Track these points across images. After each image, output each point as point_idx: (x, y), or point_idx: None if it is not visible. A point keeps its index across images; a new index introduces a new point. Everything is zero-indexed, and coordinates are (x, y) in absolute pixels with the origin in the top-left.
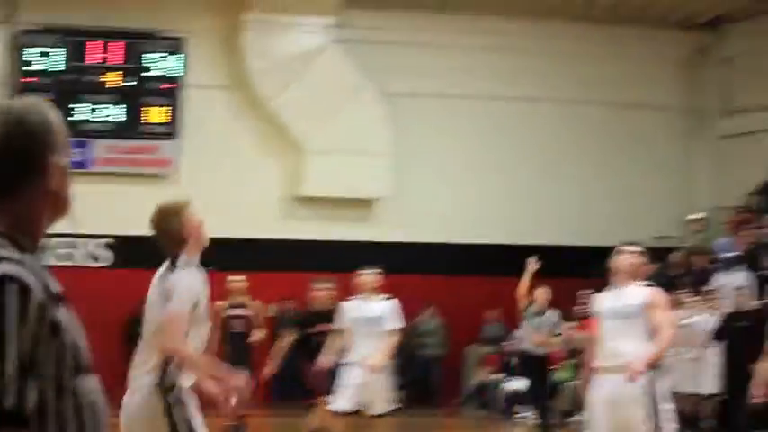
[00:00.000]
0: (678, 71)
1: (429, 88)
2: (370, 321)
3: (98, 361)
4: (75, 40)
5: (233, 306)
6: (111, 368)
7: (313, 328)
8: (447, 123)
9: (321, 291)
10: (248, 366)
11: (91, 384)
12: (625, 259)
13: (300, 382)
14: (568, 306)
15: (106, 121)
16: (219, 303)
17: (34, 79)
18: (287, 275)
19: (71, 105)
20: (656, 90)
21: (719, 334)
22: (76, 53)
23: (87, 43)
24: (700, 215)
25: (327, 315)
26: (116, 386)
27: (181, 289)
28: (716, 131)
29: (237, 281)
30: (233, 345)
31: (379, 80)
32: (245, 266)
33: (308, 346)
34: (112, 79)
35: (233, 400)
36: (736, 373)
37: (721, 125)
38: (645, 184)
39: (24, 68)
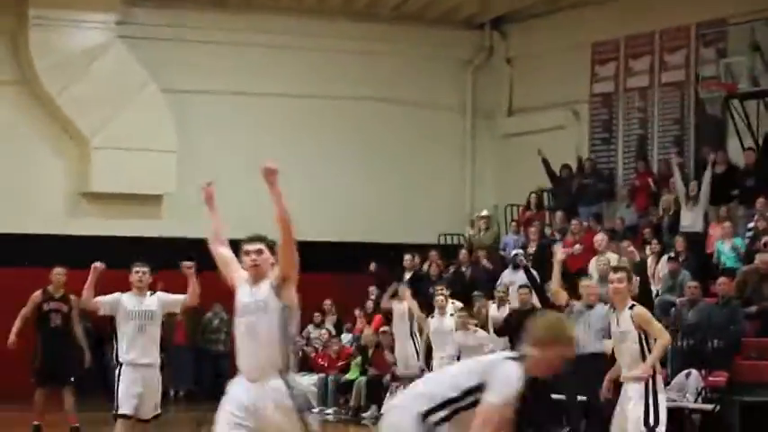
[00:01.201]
0: (463, 70)
1: (213, 85)
2: (144, 315)
3: None
4: None
5: (51, 299)
6: None
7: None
8: (231, 120)
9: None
10: (66, 362)
11: None
12: (253, 260)
13: None
14: (356, 301)
15: None
16: (35, 294)
17: None
18: (72, 272)
19: None
20: (441, 89)
21: (501, 330)
22: None
23: None
24: (485, 213)
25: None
26: None
27: (499, 381)
28: (500, 130)
29: (60, 274)
30: (51, 339)
31: (164, 77)
32: (31, 262)
33: None
34: None
35: None
36: None
37: (505, 124)
38: (430, 182)
39: None
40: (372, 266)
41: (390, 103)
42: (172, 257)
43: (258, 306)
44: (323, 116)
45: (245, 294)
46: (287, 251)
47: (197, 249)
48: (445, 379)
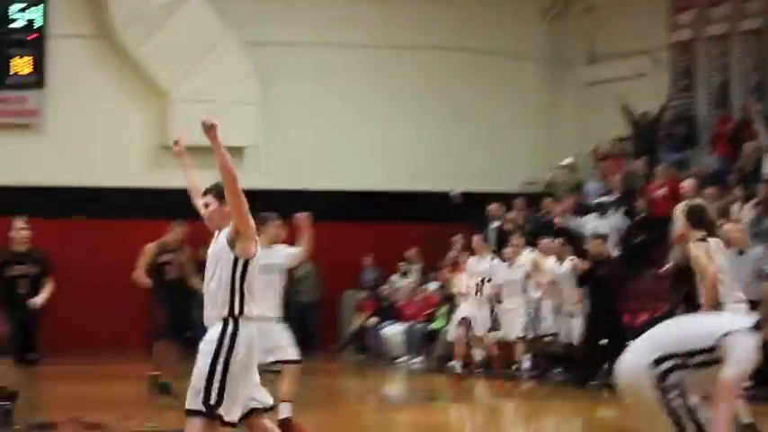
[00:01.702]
0: (542, 19)
1: (293, 37)
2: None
3: None
4: None
5: (165, 251)
6: None
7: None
8: (312, 72)
9: (20, 231)
10: (181, 316)
11: None
12: (203, 214)
13: None
14: (441, 252)
15: None
16: (149, 246)
17: None
18: (153, 223)
19: None
20: (521, 38)
21: (582, 280)
22: None
23: None
24: (567, 161)
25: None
26: None
27: (738, 355)
28: (580, 79)
29: (179, 230)
30: (167, 293)
31: (243, 29)
32: (111, 214)
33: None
34: None
35: None
36: (597, 318)
37: (586, 72)
38: (512, 131)
39: None
40: (456, 194)
41: (469, 53)
42: (255, 210)
43: (215, 256)
44: (403, 66)
45: (211, 244)
46: (233, 204)
47: (279, 200)
48: (674, 332)
